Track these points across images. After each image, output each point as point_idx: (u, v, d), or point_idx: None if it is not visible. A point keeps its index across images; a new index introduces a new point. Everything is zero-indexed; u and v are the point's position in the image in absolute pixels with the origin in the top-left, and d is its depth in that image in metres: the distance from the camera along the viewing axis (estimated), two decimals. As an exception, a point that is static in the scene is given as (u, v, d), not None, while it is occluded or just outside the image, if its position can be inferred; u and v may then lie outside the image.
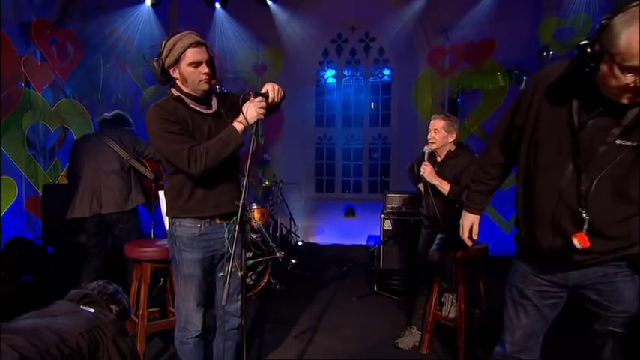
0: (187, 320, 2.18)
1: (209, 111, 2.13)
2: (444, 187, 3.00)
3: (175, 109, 2.06)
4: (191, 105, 2.09)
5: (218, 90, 2.27)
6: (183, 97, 2.08)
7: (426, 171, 3.04)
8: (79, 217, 3.53)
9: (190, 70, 2.02)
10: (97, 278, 2.07)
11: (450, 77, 6.80)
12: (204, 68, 2.03)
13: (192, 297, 2.17)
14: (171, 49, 2.01)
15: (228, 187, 2.19)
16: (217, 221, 2.19)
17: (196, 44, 2.00)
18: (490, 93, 6.42)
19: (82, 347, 1.59)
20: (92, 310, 1.78)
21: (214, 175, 2.09)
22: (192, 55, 2.00)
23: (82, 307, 1.79)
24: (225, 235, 2.19)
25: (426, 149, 3.14)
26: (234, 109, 2.15)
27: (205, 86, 2.07)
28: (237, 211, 1.92)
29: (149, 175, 3.66)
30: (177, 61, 2.02)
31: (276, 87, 2.07)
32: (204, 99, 2.12)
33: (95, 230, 3.60)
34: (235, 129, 2.05)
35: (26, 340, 1.47)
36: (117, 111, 3.88)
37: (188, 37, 2.01)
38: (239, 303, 2.23)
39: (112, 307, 1.92)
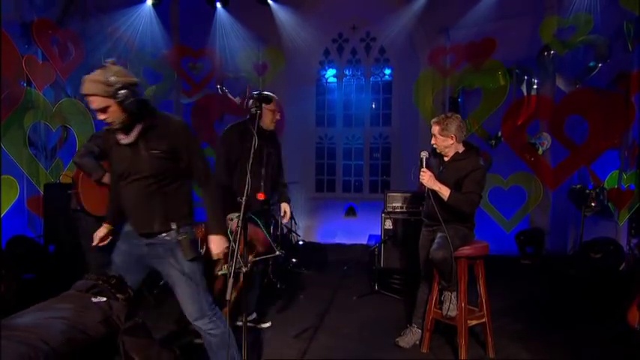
0: None
1: (125, 140, 2.21)
2: (444, 192, 2.99)
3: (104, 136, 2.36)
4: (114, 134, 2.24)
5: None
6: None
7: (425, 178, 3.03)
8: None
9: None
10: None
11: (451, 77, 6.79)
12: (98, 114, 2.12)
13: None
14: None
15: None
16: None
17: (85, 95, 2.09)
18: (491, 92, 6.42)
19: (102, 335, 1.66)
20: (104, 299, 1.84)
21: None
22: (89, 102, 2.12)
23: (92, 298, 1.84)
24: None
25: (423, 154, 3.13)
26: (160, 139, 2.21)
27: (110, 125, 2.15)
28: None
29: None
30: None
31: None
32: (121, 129, 2.18)
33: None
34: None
35: (52, 331, 1.52)
36: None
37: (82, 86, 2.09)
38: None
39: (118, 295, 1.95)
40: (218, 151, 3.43)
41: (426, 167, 3.22)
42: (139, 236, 2.32)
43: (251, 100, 3.26)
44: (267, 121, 3.39)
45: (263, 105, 3.27)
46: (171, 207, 2.29)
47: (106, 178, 3.32)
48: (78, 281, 1.97)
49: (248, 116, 3.38)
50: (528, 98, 6.26)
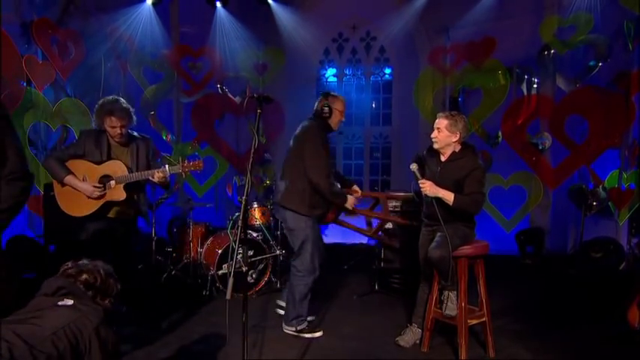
0: None
1: None
2: (448, 197, 2.99)
3: None
4: None
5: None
6: None
7: (427, 188, 3.02)
8: None
9: None
10: None
11: (451, 76, 6.79)
12: None
13: None
14: None
15: None
16: None
17: None
18: (491, 92, 6.42)
19: (59, 347, 1.51)
20: (70, 303, 1.67)
21: None
22: None
23: (59, 302, 1.68)
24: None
25: (413, 167, 3.12)
26: None
27: None
28: None
29: None
30: None
31: None
32: None
33: None
34: None
35: None
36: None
37: None
38: None
39: (89, 292, 1.79)
40: (319, 152, 3.34)
41: (422, 165, 3.23)
42: None
43: (320, 99, 3.43)
44: (336, 121, 3.49)
45: (334, 106, 3.38)
46: None
47: (69, 179, 3.13)
48: (45, 281, 1.78)
49: (314, 116, 3.50)
50: (528, 97, 6.26)
